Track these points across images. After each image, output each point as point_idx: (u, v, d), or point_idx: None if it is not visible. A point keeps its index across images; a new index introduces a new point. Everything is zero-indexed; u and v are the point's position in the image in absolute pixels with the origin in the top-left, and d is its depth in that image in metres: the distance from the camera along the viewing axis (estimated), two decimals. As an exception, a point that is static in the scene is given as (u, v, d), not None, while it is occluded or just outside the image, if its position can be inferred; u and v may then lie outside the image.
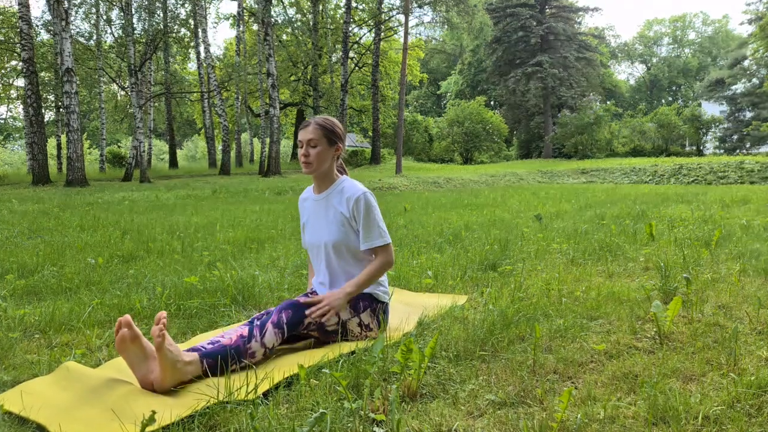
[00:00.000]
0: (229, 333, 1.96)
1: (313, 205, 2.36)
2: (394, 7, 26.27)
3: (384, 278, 2.34)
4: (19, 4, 14.36)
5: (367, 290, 2.25)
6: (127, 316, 1.74)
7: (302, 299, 2.13)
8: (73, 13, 21.40)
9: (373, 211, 2.23)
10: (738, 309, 2.50)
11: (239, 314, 2.61)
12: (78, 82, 17.16)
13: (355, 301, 2.20)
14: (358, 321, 2.20)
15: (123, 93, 27.49)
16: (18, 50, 17.78)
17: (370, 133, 27.94)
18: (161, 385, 1.70)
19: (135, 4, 18.79)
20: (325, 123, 2.26)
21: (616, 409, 1.54)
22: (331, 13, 26.88)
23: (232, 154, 25.82)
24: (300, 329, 2.06)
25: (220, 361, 1.81)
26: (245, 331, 1.94)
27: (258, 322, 1.98)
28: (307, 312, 2.09)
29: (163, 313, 1.73)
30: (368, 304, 2.23)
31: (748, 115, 36.70)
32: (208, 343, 1.89)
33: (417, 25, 32.22)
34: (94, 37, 22.25)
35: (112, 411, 1.57)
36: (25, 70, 14.42)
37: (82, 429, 1.48)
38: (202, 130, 29.95)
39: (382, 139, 31.44)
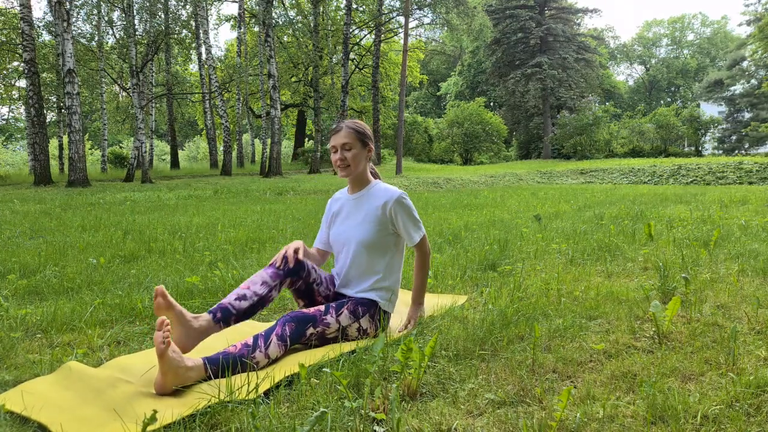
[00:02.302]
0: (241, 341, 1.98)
1: (346, 203, 2.43)
2: (395, 8, 26.32)
3: (395, 286, 2.36)
4: (20, 5, 14.38)
5: (369, 296, 2.28)
6: (161, 287, 1.89)
7: (312, 310, 2.13)
8: (75, 14, 21.44)
9: (412, 211, 2.34)
10: (737, 309, 2.50)
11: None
12: (79, 83, 17.16)
13: (355, 306, 2.22)
14: (358, 326, 2.21)
15: (124, 94, 27.52)
16: (20, 51, 17.80)
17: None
18: (162, 388, 1.70)
19: (136, 6, 18.81)
20: (356, 126, 2.33)
21: (615, 408, 1.54)
22: (332, 14, 26.89)
23: (234, 154, 25.82)
24: (302, 341, 2.08)
25: (222, 367, 1.81)
26: (250, 340, 1.93)
27: (263, 332, 1.98)
28: (402, 331, 2.28)
29: (166, 319, 1.72)
30: (367, 310, 2.24)
31: (747, 115, 36.76)
32: (220, 353, 1.88)
33: (417, 26, 32.23)
34: (96, 39, 22.27)
35: (113, 410, 1.58)
36: (26, 71, 14.43)
37: (83, 428, 1.49)
38: (204, 131, 30.02)
39: (383, 139, 31.50)
